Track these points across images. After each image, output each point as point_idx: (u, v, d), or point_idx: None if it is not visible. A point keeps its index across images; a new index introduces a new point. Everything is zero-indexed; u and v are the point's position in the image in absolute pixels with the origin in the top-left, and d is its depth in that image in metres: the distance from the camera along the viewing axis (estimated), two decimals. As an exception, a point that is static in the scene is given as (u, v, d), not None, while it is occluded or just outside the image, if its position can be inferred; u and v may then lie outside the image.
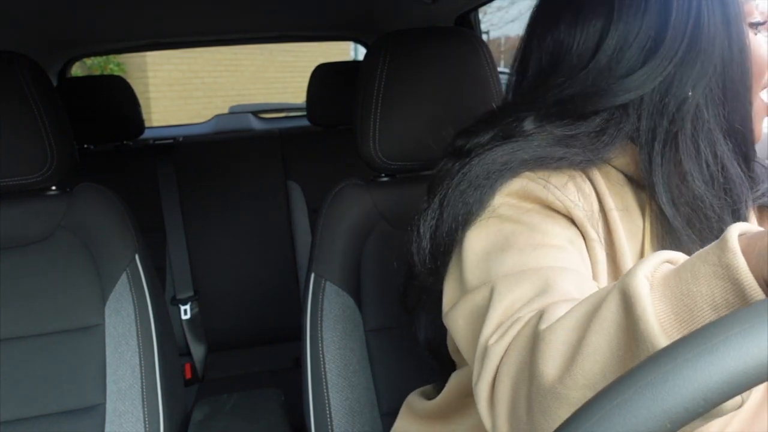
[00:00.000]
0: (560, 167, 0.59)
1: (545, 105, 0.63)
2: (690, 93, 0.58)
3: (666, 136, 0.59)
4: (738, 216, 0.61)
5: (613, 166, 0.64)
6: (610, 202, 0.61)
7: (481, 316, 0.53)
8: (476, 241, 0.58)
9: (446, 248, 0.62)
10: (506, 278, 0.53)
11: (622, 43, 0.60)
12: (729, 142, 0.60)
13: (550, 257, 0.54)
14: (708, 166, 0.59)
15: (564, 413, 0.41)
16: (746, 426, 0.63)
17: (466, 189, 0.60)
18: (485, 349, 0.49)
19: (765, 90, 0.64)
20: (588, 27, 0.62)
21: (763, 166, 0.69)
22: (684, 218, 0.59)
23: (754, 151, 0.63)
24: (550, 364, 0.42)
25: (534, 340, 0.44)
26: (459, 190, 0.61)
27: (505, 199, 0.59)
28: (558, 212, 0.59)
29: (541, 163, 0.59)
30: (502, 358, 0.47)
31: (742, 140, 0.61)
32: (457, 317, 0.57)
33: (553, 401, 0.42)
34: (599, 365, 0.40)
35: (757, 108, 0.63)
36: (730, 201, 0.60)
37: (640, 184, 0.63)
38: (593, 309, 0.42)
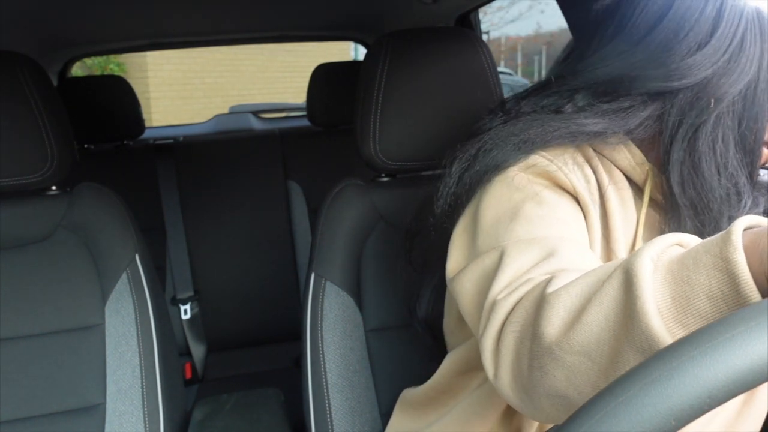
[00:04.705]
0: (581, 145, 0.65)
1: (596, 81, 0.65)
2: (726, 96, 0.60)
3: (689, 128, 0.61)
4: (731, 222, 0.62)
5: (617, 167, 0.67)
6: (611, 191, 0.64)
7: (489, 277, 0.56)
8: (488, 209, 0.63)
9: (471, 187, 0.66)
10: (516, 244, 0.56)
11: (682, 23, 0.60)
12: (738, 154, 0.63)
13: (556, 228, 0.58)
14: (717, 165, 0.62)
15: (559, 374, 0.44)
16: (728, 426, 0.64)
17: (507, 137, 0.65)
18: (493, 304, 0.52)
19: None
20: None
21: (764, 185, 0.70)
22: (688, 200, 0.62)
23: (758, 172, 0.65)
24: (551, 325, 0.44)
25: (540, 301, 0.47)
26: (500, 137, 0.65)
27: (520, 172, 0.63)
28: (565, 190, 0.63)
29: (572, 138, 0.63)
30: (509, 314, 0.50)
31: (751, 158, 0.63)
32: (464, 280, 0.60)
33: (550, 361, 0.44)
34: (594, 336, 0.42)
35: None
36: (734, 202, 0.62)
37: (640, 188, 0.67)
38: (598, 281, 0.44)
